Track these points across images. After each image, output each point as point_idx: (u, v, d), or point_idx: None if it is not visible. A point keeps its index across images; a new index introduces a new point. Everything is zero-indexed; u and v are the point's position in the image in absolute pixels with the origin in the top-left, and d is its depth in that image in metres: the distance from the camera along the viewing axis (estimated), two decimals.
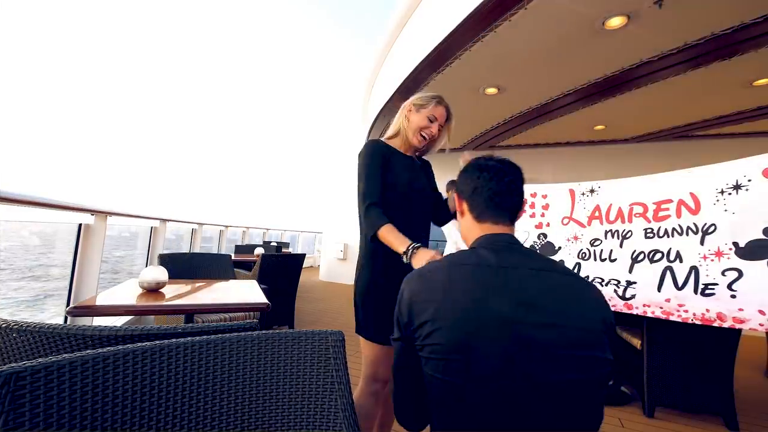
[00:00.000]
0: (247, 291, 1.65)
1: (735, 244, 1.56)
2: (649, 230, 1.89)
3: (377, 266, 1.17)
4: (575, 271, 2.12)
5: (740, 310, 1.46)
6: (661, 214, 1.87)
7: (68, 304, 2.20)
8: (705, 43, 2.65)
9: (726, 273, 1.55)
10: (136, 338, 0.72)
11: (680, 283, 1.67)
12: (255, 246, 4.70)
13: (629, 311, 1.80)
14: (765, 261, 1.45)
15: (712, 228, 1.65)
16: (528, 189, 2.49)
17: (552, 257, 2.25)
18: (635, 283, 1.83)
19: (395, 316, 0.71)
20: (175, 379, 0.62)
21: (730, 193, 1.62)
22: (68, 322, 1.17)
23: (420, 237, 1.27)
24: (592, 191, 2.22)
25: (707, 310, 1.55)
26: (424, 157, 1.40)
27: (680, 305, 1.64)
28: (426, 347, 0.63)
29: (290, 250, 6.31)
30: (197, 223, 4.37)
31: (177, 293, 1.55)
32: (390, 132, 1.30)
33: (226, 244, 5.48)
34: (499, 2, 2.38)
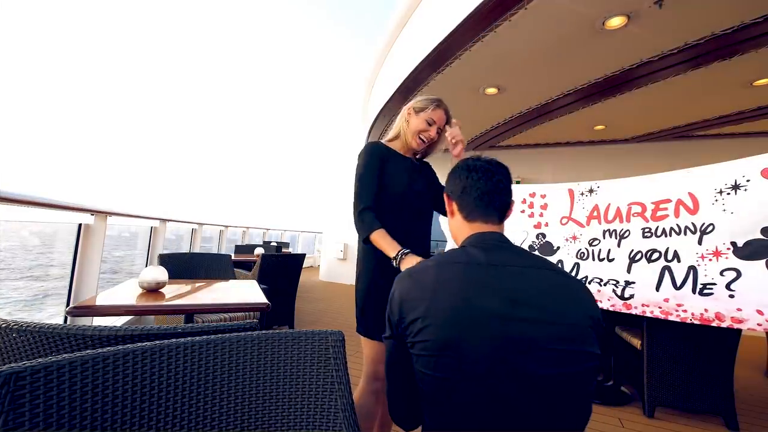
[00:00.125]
0: (247, 291, 1.65)
1: (733, 243, 1.56)
2: (646, 230, 1.90)
3: (375, 266, 1.18)
4: (574, 271, 2.12)
5: (738, 310, 1.47)
6: (659, 213, 1.88)
7: (68, 304, 2.20)
8: (705, 43, 2.65)
9: (724, 273, 1.55)
10: (136, 338, 0.72)
11: (679, 282, 1.68)
12: (255, 246, 4.70)
13: (628, 311, 1.81)
14: (763, 261, 1.45)
15: (711, 228, 1.65)
16: (527, 189, 2.49)
17: (550, 257, 2.25)
18: (634, 283, 1.83)
19: (387, 315, 0.72)
20: (175, 379, 0.62)
21: (728, 193, 1.62)
22: (68, 322, 1.17)
23: (419, 237, 1.28)
24: (591, 191, 2.22)
25: (706, 310, 1.55)
26: (425, 159, 1.41)
27: (679, 305, 1.64)
28: (417, 344, 0.64)
29: (290, 250, 6.31)
30: (197, 223, 4.37)
31: (177, 293, 1.55)
32: (391, 134, 1.33)
33: (226, 244, 5.48)
34: (499, 2, 2.38)
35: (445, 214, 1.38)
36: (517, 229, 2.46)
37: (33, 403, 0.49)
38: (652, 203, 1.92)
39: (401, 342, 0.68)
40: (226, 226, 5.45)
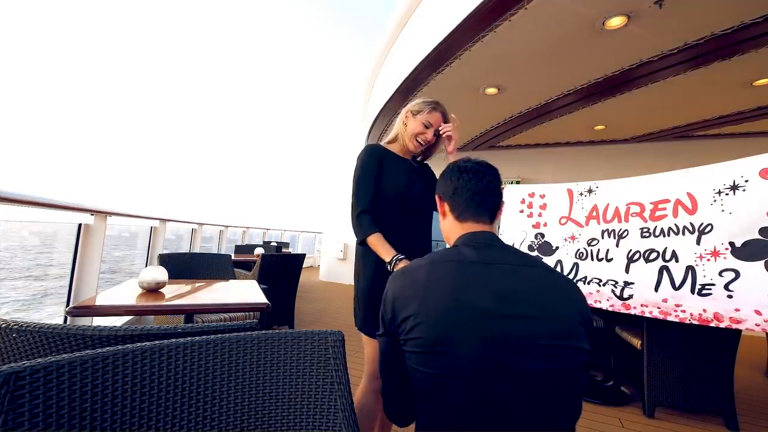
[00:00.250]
0: (247, 291, 1.65)
1: (731, 244, 1.56)
2: (645, 230, 1.90)
3: (376, 266, 1.19)
4: (573, 271, 2.12)
5: (737, 310, 1.47)
6: (657, 213, 1.88)
7: (68, 304, 2.20)
8: (705, 43, 2.65)
9: (723, 273, 1.55)
10: (136, 338, 0.72)
11: (677, 283, 1.68)
12: (255, 246, 4.70)
13: (627, 311, 1.81)
14: (762, 261, 1.45)
15: (709, 228, 1.65)
16: (526, 189, 2.50)
17: (549, 257, 2.25)
18: (633, 283, 1.83)
19: (380, 313, 0.73)
20: (174, 379, 0.62)
21: (727, 194, 1.62)
22: (68, 322, 1.17)
23: (420, 238, 1.29)
24: (590, 191, 2.22)
25: (704, 310, 1.55)
26: (425, 161, 1.42)
27: (677, 305, 1.64)
28: (409, 341, 0.65)
29: (290, 250, 6.31)
30: (197, 223, 4.37)
31: (177, 293, 1.55)
32: (390, 136, 1.35)
33: (226, 244, 5.48)
34: (499, 2, 2.38)
35: None
36: (516, 229, 2.46)
37: (33, 403, 0.49)
38: (650, 203, 1.92)
39: (394, 339, 0.69)
40: (226, 226, 5.45)
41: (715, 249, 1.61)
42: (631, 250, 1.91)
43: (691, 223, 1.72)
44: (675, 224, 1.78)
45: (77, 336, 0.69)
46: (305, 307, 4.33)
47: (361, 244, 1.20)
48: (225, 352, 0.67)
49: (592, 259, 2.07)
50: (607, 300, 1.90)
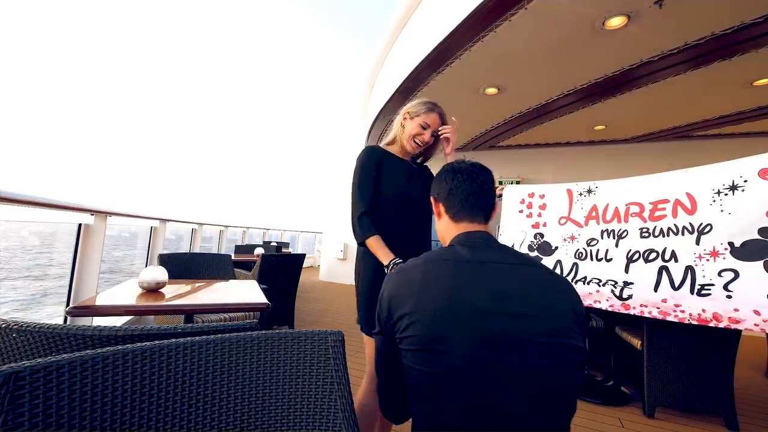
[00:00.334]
0: (247, 291, 1.65)
1: (731, 244, 1.56)
2: (644, 230, 1.90)
3: (374, 266, 1.20)
4: (573, 271, 2.12)
5: (736, 310, 1.47)
6: (657, 213, 1.88)
7: (68, 304, 2.20)
8: (705, 43, 2.65)
9: (722, 273, 1.55)
10: (136, 338, 0.72)
11: (677, 283, 1.68)
12: (255, 246, 4.70)
13: (627, 311, 1.81)
14: (761, 262, 1.45)
15: (708, 228, 1.65)
16: (526, 189, 2.50)
17: (549, 257, 2.25)
18: (632, 283, 1.83)
19: (376, 312, 0.74)
20: (174, 379, 0.62)
21: (726, 194, 1.62)
22: (68, 322, 1.17)
23: (420, 238, 1.29)
24: (589, 191, 2.22)
25: (703, 311, 1.55)
26: (426, 162, 1.43)
27: (677, 305, 1.64)
28: (404, 340, 0.65)
29: (290, 250, 6.31)
30: (197, 223, 4.37)
31: (177, 293, 1.55)
32: (388, 138, 1.36)
33: (226, 244, 5.48)
34: (499, 2, 2.38)
35: None
36: (516, 230, 2.45)
37: (32, 403, 0.49)
38: (650, 203, 1.92)
39: (390, 338, 0.70)
40: (226, 226, 5.45)
41: (715, 249, 1.61)
42: (630, 250, 1.91)
43: (691, 224, 1.72)
44: (674, 224, 1.78)
45: (77, 336, 0.69)
46: (305, 307, 4.33)
47: (361, 245, 1.21)
48: (225, 352, 0.67)
49: (592, 260, 2.07)
50: (607, 300, 1.90)
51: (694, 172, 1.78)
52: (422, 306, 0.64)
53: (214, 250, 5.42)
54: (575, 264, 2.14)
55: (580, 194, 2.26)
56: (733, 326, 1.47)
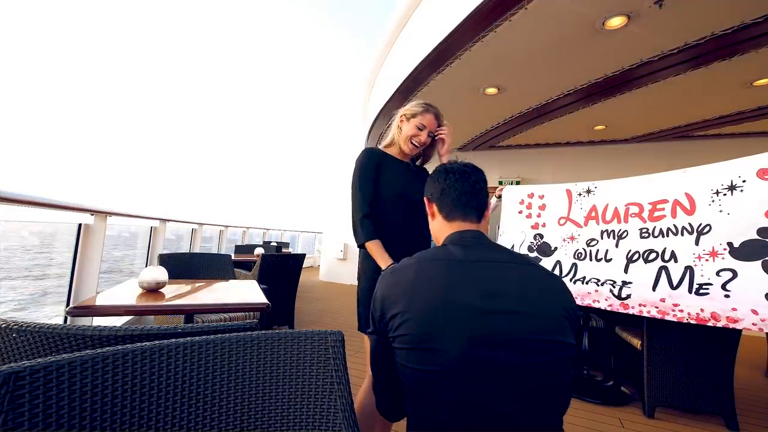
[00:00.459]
0: (247, 291, 1.65)
1: (729, 244, 1.56)
2: (644, 230, 1.90)
3: (375, 267, 1.20)
4: (572, 271, 2.12)
5: (734, 309, 1.47)
6: (656, 214, 1.88)
7: (68, 304, 2.20)
8: (705, 43, 2.65)
9: (721, 273, 1.55)
10: (136, 338, 0.72)
11: (675, 282, 1.68)
12: (255, 246, 4.70)
13: (625, 311, 1.81)
14: (759, 261, 1.45)
15: (707, 228, 1.65)
16: (525, 189, 2.50)
17: (548, 257, 2.25)
18: (631, 283, 1.84)
19: (370, 312, 0.75)
20: (174, 379, 0.62)
21: (725, 194, 1.62)
22: (68, 322, 1.17)
23: (420, 238, 1.29)
24: (588, 191, 2.22)
25: (702, 310, 1.56)
26: (425, 165, 1.44)
27: (675, 305, 1.64)
28: (397, 338, 0.66)
29: (290, 250, 6.31)
30: (197, 223, 4.37)
31: (177, 293, 1.55)
32: (387, 140, 1.37)
33: (226, 244, 5.48)
34: (499, 2, 2.38)
35: None
36: (515, 230, 2.46)
37: (32, 403, 0.49)
38: (649, 204, 1.92)
39: (384, 337, 0.71)
40: (226, 226, 5.45)
41: (714, 249, 1.61)
42: (630, 250, 1.92)
43: (690, 224, 1.72)
44: (674, 225, 1.79)
45: (77, 336, 0.69)
46: (305, 307, 4.33)
47: (360, 247, 1.22)
48: (225, 352, 0.67)
49: (591, 260, 2.07)
50: (606, 300, 1.90)
51: (693, 172, 1.79)
52: (414, 305, 0.64)
53: (214, 250, 5.42)
54: (574, 264, 2.14)
55: (580, 194, 2.26)
56: (731, 325, 1.47)
